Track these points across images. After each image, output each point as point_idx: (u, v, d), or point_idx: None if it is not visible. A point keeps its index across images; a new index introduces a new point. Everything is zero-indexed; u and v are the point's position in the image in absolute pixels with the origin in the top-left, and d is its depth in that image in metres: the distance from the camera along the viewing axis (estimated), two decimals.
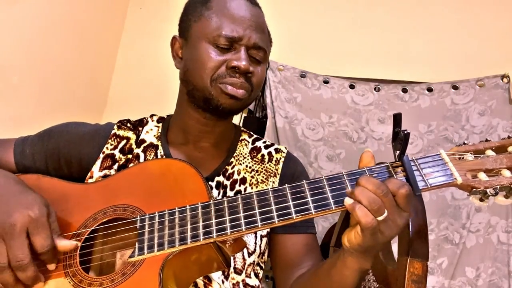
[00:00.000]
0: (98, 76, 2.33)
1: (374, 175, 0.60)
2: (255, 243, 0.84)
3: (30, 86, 1.82)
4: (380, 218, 0.56)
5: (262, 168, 0.89)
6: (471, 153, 0.62)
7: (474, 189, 0.59)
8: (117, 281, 0.63)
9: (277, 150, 0.93)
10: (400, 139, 0.60)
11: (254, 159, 0.90)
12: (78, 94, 2.14)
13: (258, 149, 0.92)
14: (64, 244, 0.65)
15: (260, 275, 0.87)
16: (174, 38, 0.87)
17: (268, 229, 0.86)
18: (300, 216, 0.60)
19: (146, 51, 2.33)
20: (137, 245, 0.65)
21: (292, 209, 0.61)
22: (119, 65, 2.43)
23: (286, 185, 0.63)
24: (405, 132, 0.59)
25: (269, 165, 0.90)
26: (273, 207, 0.61)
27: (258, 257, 0.85)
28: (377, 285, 0.78)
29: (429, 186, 0.59)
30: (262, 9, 0.88)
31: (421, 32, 2.11)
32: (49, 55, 1.90)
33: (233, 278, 0.81)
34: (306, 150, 2.02)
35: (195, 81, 0.80)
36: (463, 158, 0.62)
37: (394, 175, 0.60)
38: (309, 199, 0.61)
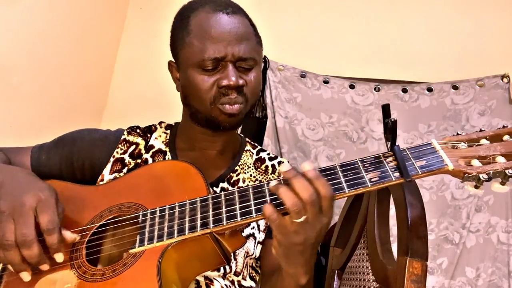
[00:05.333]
0: (98, 76, 2.33)
1: (366, 165, 0.62)
2: (254, 249, 0.86)
3: (30, 87, 1.82)
4: (298, 220, 0.57)
5: (265, 179, 0.92)
6: (465, 142, 0.62)
7: (466, 175, 0.58)
8: (118, 271, 0.66)
9: (280, 163, 0.95)
10: (389, 129, 0.61)
11: (258, 169, 0.94)
12: (78, 94, 2.15)
13: (263, 160, 0.95)
14: (66, 235, 0.68)
15: (257, 279, 0.89)
16: (169, 63, 0.90)
17: (263, 236, 0.88)
18: None
19: (146, 51, 2.32)
20: (138, 237, 0.68)
21: None
22: (119, 66, 2.43)
23: (281, 178, 0.64)
24: (392, 120, 0.60)
25: (272, 176, 0.93)
26: (268, 198, 0.63)
27: (254, 260, 0.88)
28: (377, 285, 0.78)
29: (420, 173, 0.59)
30: (244, 11, 0.86)
31: (421, 32, 2.11)
32: (49, 55, 1.90)
33: (230, 276, 0.83)
34: (306, 150, 2.02)
35: (196, 105, 0.84)
36: (456, 147, 0.61)
37: (386, 164, 0.61)
38: None
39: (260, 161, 0.95)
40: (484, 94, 1.92)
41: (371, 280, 0.81)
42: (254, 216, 0.63)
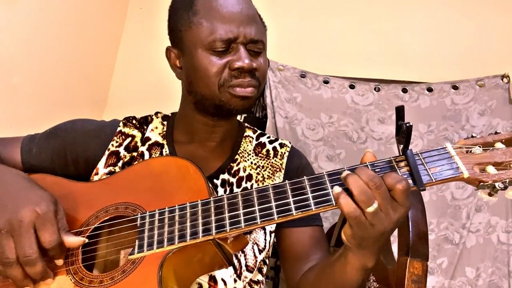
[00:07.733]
0: (98, 76, 2.33)
1: (376, 169, 0.58)
2: (265, 239, 0.83)
3: (30, 86, 1.82)
4: (369, 210, 0.54)
5: (267, 164, 0.89)
6: (479, 146, 0.59)
7: (482, 183, 0.55)
8: (117, 278, 0.63)
9: (282, 145, 0.93)
10: (403, 133, 0.58)
11: (259, 155, 0.90)
12: (78, 94, 2.14)
13: (263, 145, 0.92)
14: (72, 240, 0.65)
15: (264, 271, 0.87)
16: (168, 49, 0.85)
17: (275, 224, 0.85)
18: (300, 213, 0.59)
19: (146, 51, 2.32)
20: (137, 243, 0.65)
21: (292, 206, 0.60)
22: (119, 65, 2.43)
23: (287, 181, 0.62)
24: (407, 125, 0.56)
25: (274, 160, 0.90)
26: (273, 203, 0.60)
27: (265, 253, 0.85)
28: (377, 285, 0.78)
29: (433, 181, 0.56)
30: None
31: (421, 32, 2.11)
32: (49, 55, 1.90)
33: (245, 277, 0.80)
34: (306, 150, 2.02)
35: (202, 91, 0.79)
36: (470, 151, 0.58)
37: (398, 170, 0.58)
38: (310, 195, 0.60)
39: (260, 146, 0.92)
40: (484, 94, 1.92)
41: (371, 280, 0.81)
42: (259, 223, 0.60)
